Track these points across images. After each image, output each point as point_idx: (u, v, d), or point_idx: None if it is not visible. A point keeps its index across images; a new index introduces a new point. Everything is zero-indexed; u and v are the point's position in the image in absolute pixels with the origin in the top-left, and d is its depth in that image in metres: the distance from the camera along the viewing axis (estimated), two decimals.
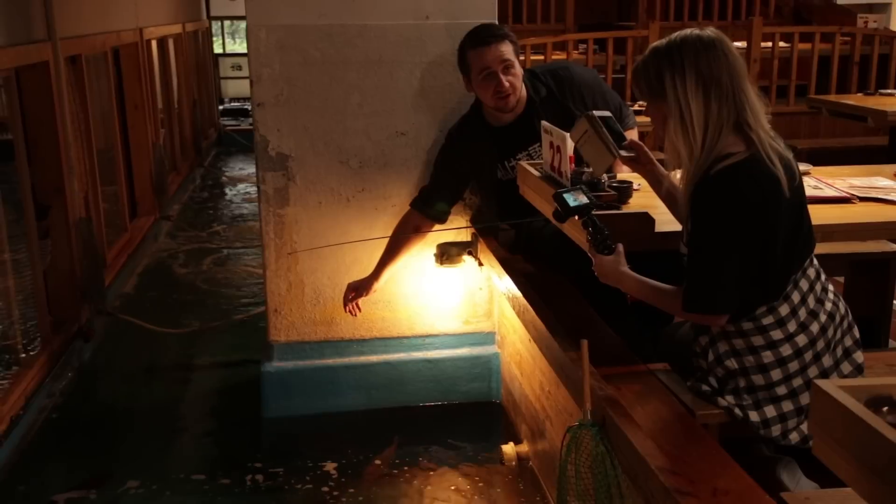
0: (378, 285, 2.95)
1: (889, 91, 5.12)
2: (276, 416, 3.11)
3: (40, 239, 3.54)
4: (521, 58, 5.29)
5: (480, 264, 3.01)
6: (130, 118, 5.42)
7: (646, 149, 2.03)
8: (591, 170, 2.12)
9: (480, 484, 2.73)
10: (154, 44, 6.18)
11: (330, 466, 2.83)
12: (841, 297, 1.91)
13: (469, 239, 3.07)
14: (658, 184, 2.02)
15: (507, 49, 2.62)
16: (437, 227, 2.94)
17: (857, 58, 5.79)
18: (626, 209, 2.09)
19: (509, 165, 2.77)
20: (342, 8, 2.86)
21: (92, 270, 3.80)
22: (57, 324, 3.57)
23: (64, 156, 3.62)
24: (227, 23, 11.98)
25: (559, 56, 5.56)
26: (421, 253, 3.03)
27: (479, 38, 2.64)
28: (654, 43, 1.84)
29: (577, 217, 1.90)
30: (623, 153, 1.99)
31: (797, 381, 1.79)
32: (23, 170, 3.41)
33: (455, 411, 3.18)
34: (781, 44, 5.80)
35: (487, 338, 3.22)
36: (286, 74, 2.88)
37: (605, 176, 2.17)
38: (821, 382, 1.04)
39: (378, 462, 2.85)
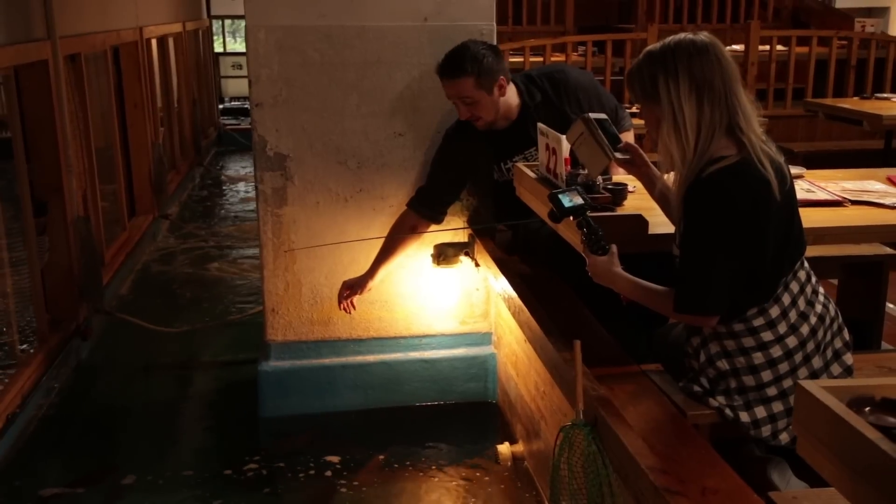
0: (373, 284, 2.96)
1: (885, 95, 5.15)
2: (272, 415, 3.12)
3: (38, 235, 3.55)
4: (522, 59, 5.34)
5: (477, 265, 3.02)
6: (130, 117, 5.43)
7: (640, 151, 2.04)
8: (586, 172, 2.13)
9: (476, 484, 2.74)
10: (154, 43, 6.20)
11: (326, 465, 2.84)
12: (831, 300, 1.92)
13: (466, 240, 3.09)
14: (652, 185, 2.04)
15: (464, 86, 2.61)
16: (433, 227, 2.95)
17: (853, 62, 5.82)
18: (620, 211, 2.11)
19: (505, 167, 2.79)
20: (341, 9, 2.88)
21: (90, 269, 3.82)
22: (55, 322, 3.58)
23: (63, 154, 3.64)
24: (227, 22, 12.00)
25: (558, 58, 5.58)
26: (418, 253, 3.05)
27: (440, 70, 2.66)
28: (648, 47, 1.86)
29: (571, 218, 1.92)
30: (618, 155, 2.01)
31: (787, 383, 1.81)
32: (21, 168, 3.42)
33: (451, 411, 3.19)
34: (779, 47, 5.82)
35: (484, 338, 3.24)
36: (285, 75, 2.90)
37: (600, 178, 2.19)
38: (805, 383, 1.06)
39: (374, 461, 2.86)
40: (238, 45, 12.33)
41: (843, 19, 6.92)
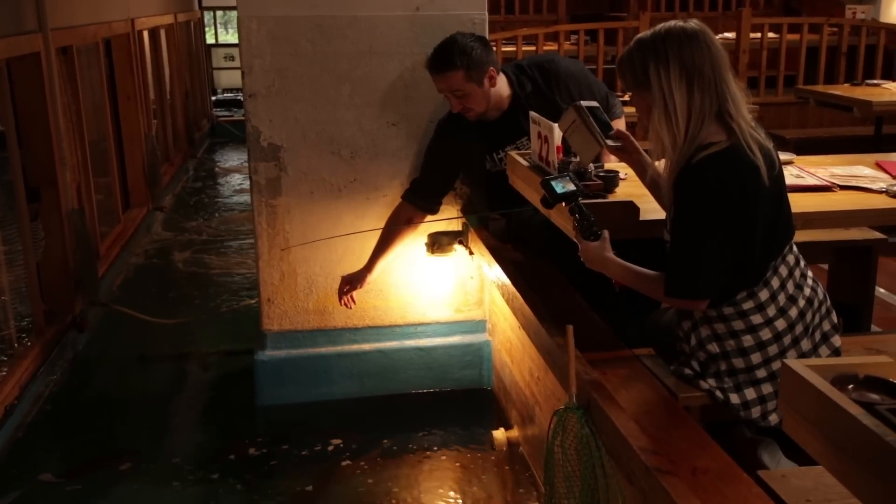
0: (371, 277, 2.98)
1: (875, 81, 5.17)
2: (269, 404, 3.15)
3: (31, 221, 3.54)
4: (514, 48, 5.34)
5: (471, 253, 3.04)
6: (122, 109, 5.42)
7: (632, 138, 2.06)
8: (578, 159, 2.15)
9: (472, 469, 2.77)
10: (146, 34, 6.18)
11: (323, 454, 2.87)
12: (819, 283, 1.95)
13: (460, 228, 3.11)
14: (643, 172, 2.06)
15: (454, 80, 2.62)
16: (428, 217, 2.97)
17: (844, 48, 5.84)
18: (612, 198, 2.13)
19: (497, 157, 2.80)
20: None
21: (85, 261, 3.83)
22: (51, 314, 3.60)
23: (56, 147, 3.64)
24: (219, 13, 11.96)
25: (551, 47, 5.59)
26: (412, 242, 3.07)
27: (430, 65, 2.68)
28: (638, 34, 1.88)
29: (564, 204, 1.94)
30: (610, 143, 2.02)
31: (776, 365, 1.84)
32: (15, 162, 3.42)
33: (447, 398, 3.22)
34: (770, 34, 5.84)
35: (478, 326, 3.26)
36: (277, 65, 2.90)
37: (592, 165, 2.21)
38: (790, 362, 1.08)
39: (371, 449, 2.89)
40: (230, 37, 12.29)
41: (834, 6, 6.93)
